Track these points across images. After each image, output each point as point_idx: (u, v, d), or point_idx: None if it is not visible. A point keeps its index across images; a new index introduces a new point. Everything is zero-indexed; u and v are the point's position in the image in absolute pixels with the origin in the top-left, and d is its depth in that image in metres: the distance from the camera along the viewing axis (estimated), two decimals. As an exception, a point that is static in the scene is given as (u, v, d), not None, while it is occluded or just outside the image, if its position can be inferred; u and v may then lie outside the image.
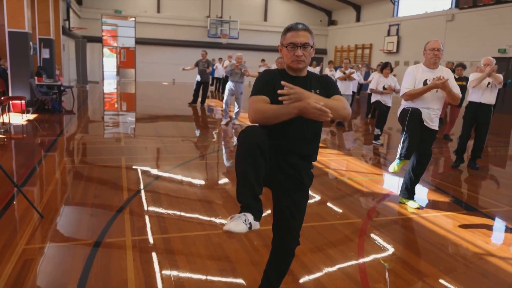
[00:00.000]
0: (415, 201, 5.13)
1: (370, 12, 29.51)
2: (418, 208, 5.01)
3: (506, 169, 7.89)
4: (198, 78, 15.09)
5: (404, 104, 5.02)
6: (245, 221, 2.14)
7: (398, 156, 5.06)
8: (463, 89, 9.18)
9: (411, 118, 4.81)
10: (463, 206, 5.34)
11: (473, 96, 7.11)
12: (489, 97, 7.03)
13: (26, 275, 3.11)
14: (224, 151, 8.20)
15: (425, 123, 4.84)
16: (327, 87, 2.53)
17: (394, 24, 26.25)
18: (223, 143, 9.11)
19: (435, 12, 23.15)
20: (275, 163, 2.44)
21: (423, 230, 4.43)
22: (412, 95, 4.82)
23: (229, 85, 11.01)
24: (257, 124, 2.36)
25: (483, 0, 19.95)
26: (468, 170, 7.25)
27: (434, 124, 4.89)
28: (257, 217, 2.22)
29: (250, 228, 2.16)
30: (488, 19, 19.70)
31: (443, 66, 5.08)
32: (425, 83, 4.79)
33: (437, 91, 4.79)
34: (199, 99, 15.71)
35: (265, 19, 32.48)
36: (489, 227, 4.67)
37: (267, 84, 2.43)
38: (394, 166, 5.17)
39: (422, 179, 5.26)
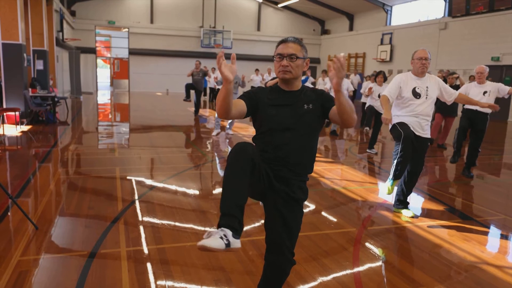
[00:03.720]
0: (409, 210, 5.15)
1: (363, 21, 29.71)
2: (412, 217, 5.02)
3: (500, 177, 7.92)
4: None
5: (395, 116, 5.01)
6: (222, 237, 1.97)
7: (391, 176, 5.13)
8: None
9: (405, 141, 4.77)
10: (457, 214, 5.36)
11: None
12: None
13: (21, 287, 3.10)
14: (218, 161, 8.19)
15: (416, 133, 4.86)
16: (325, 100, 2.51)
17: (387, 33, 26.44)
18: (216, 154, 9.11)
19: (428, 21, 23.35)
20: (265, 176, 2.41)
21: (417, 239, 4.44)
22: (383, 102, 4.88)
23: None
24: (247, 141, 2.34)
25: (475, 9, 20.09)
26: (463, 179, 7.29)
27: (425, 132, 4.92)
28: (237, 233, 2.04)
29: (228, 245, 1.97)
30: (481, 27, 19.87)
31: (435, 74, 5.12)
32: (413, 91, 4.84)
33: (426, 98, 4.83)
34: (193, 109, 15.77)
35: (258, 29, 32.64)
36: (484, 236, 4.67)
37: (250, 94, 2.49)
38: (388, 187, 5.26)
39: (416, 188, 5.27)
